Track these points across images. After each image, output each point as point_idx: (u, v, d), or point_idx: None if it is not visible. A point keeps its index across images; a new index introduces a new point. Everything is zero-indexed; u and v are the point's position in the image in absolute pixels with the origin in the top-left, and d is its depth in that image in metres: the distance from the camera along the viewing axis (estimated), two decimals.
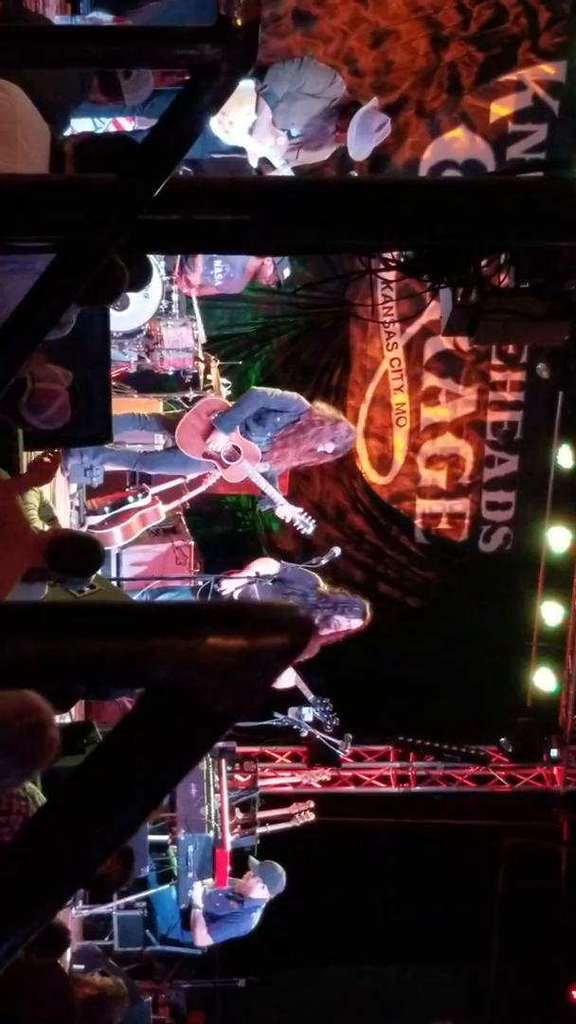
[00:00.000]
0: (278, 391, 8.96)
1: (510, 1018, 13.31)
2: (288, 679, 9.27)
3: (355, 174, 10.34)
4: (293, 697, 9.70)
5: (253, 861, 9.96)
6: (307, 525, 9.12)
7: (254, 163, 8.25)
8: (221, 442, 8.82)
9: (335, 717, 9.85)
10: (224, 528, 12.54)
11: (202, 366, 9.70)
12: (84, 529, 9.05)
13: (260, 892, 9.79)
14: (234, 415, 8.82)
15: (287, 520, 9.20)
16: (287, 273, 9.60)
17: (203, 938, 10.06)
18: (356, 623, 8.96)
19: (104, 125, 7.72)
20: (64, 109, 6.15)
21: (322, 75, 8.23)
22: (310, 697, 9.68)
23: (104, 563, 6.11)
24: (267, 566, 9.34)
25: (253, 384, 10.61)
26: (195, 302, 9.72)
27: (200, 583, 9.66)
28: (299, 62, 8.27)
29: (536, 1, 11.15)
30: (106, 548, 8.99)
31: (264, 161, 8.20)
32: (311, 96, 8.12)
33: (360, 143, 8.17)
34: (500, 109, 11.43)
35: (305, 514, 9.15)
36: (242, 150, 8.26)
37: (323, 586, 9.15)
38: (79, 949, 9.55)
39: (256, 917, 9.94)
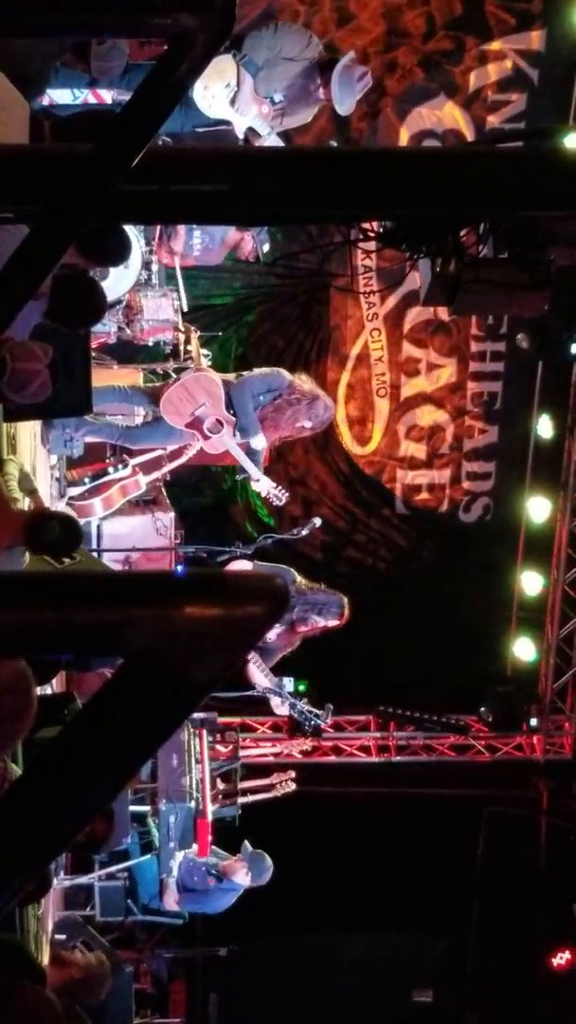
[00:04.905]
0: (259, 372, 9.03)
1: (490, 986, 13.40)
2: (261, 678, 9.37)
3: (334, 144, 10.31)
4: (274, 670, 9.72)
5: (247, 846, 9.94)
6: (279, 498, 9.20)
7: (240, 134, 8.24)
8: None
9: (311, 715, 9.88)
10: (206, 499, 12.52)
11: (182, 336, 9.68)
12: (64, 500, 9.04)
13: (243, 879, 9.78)
14: (245, 422, 8.86)
15: (262, 494, 9.29)
16: (267, 248, 9.60)
17: (171, 903, 10.10)
18: (333, 622, 9.17)
19: (82, 96, 7.67)
20: (38, 73, 6.12)
21: (298, 37, 8.26)
22: (289, 700, 9.78)
23: (84, 539, 6.09)
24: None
25: (232, 355, 10.76)
26: (178, 272, 9.68)
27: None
28: (274, 27, 8.28)
29: None
30: (86, 519, 9.03)
31: (250, 131, 8.19)
32: (290, 60, 8.14)
33: (344, 96, 8.20)
34: (479, 78, 11.38)
35: (280, 488, 9.20)
36: (226, 122, 8.24)
37: (301, 581, 9.21)
38: (60, 919, 9.55)
39: (230, 900, 9.92)
